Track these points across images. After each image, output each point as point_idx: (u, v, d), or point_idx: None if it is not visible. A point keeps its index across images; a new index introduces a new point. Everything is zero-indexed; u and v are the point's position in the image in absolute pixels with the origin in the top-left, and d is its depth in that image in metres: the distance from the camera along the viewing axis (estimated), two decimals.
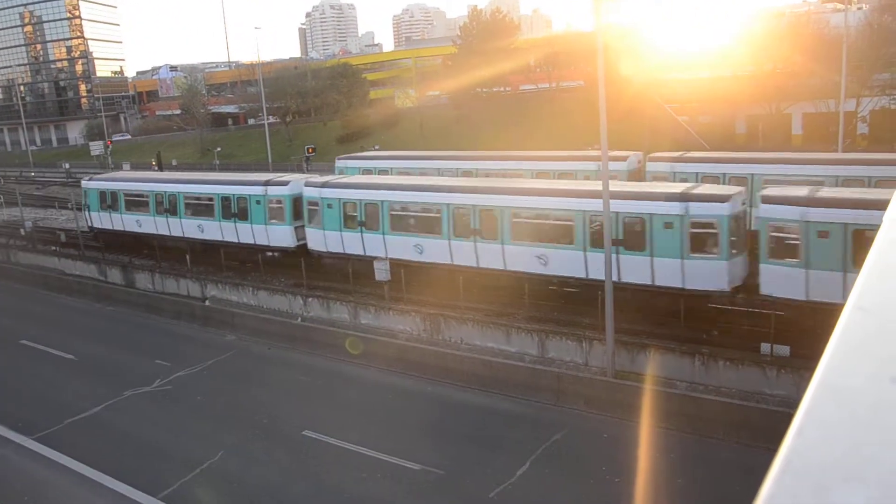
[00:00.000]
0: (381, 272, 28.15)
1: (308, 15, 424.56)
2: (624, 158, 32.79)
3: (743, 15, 73.96)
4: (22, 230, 47.97)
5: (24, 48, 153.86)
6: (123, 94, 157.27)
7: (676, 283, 22.51)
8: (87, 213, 42.62)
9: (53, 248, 45.22)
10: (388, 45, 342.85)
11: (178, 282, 35.36)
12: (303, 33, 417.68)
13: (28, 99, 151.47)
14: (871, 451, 1.06)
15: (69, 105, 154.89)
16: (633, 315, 23.74)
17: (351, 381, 23.56)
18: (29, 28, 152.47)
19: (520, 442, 18.86)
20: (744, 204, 23.65)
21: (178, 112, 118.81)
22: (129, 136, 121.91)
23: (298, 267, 31.26)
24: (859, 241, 18.82)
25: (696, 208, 22.43)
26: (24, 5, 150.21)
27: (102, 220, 41.46)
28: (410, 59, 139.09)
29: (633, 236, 23.36)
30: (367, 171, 40.77)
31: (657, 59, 68.14)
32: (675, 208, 22.67)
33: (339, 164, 43.01)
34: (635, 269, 23.20)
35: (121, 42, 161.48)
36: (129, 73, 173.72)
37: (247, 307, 31.17)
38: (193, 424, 20.99)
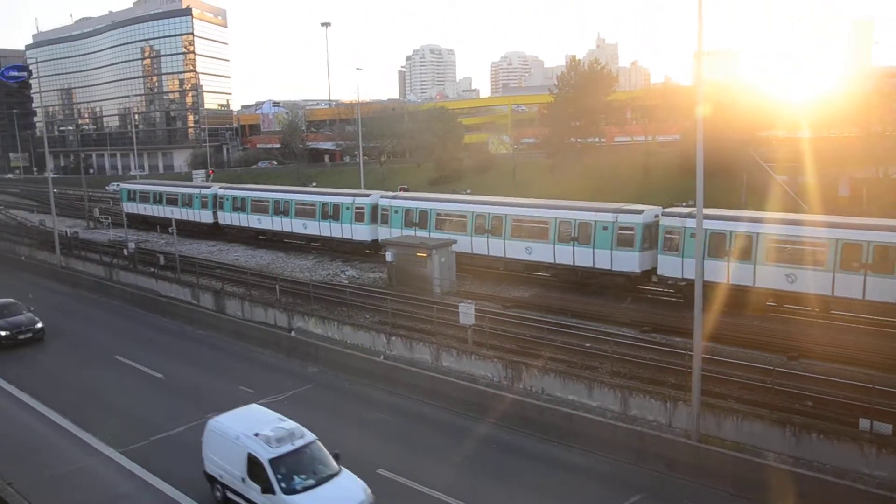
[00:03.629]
0: (467, 316, 28.17)
1: (408, 58, 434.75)
2: None
3: (850, 74, 71.97)
4: (125, 251, 50.19)
5: (141, 79, 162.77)
6: (228, 126, 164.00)
7: None
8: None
9: (152, 269, 47.08)
10: (485, 90, 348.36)
11: (266, 311, 36.17)
12: (402, 76, 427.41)
13: (140, 127, 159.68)
14: None
15: (177, 134, 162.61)
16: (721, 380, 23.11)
17: (428, 422, 23.50)
18: (148, 61, 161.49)
19: (598, 499, 18.39)
20: None
21: (278, 146, 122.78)
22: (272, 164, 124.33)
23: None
24: None
25: None
26: (147, 40, 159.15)
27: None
28: (506, 105, 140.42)
29: None
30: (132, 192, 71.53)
31: (757, 116, 66.79)
32: None
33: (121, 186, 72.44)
34: None
35: (229, 77, 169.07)
36: (235, 106, 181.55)
37: (331, 341, 31.54)
38: None
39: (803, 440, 19.34)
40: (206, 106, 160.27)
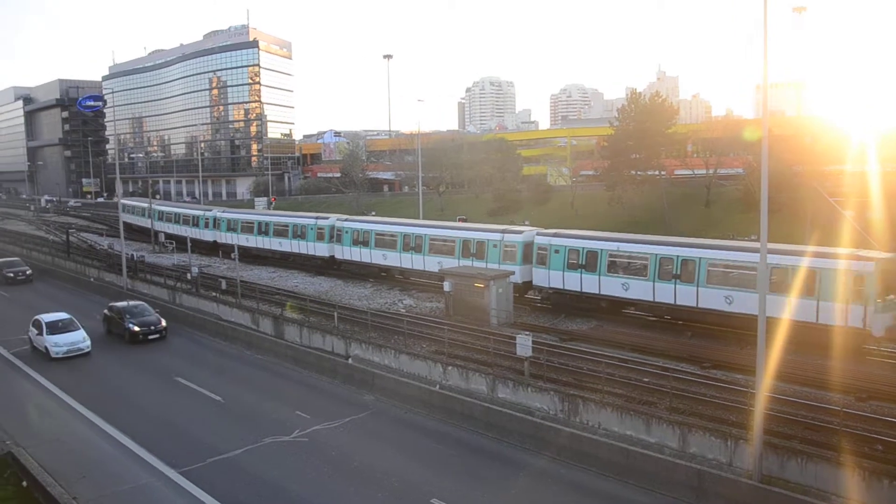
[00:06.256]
0: (524, 347, 28.02)
1: (468, 90, 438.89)
2: None
3: None
4: (188, 275, 51.36)
5: (208, 109, 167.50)
6: (290, 155, 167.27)
7: None
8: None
9: (214, 294, 48.03)
10: (544, 122, 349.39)
11: (325, 338, 36.52)
12: (462, 107, 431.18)
13: (206, 155, 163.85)
14: None
15: (240, 162, 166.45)
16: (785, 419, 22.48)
17: (483, 453, 23.30)
18: (215, 91, 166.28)
19: None
20: None
21: (338, 175, 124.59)
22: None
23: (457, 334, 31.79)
24: None
25: None
26: (214, 71, 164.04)
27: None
28: (566, 137, 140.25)
29: None
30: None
31: (824, 149, 65.40)
32: None
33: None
34: None
35: (293, 107, 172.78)
36: (297, 135, 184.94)
37: (387, 369, 31.64)
38: (326, 479, 21.35)
39: (874, 486, 18.59)
40: (270, 135, 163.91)
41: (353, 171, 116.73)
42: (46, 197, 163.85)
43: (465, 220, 68.15)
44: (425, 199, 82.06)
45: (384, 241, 52.10)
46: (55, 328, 36.15)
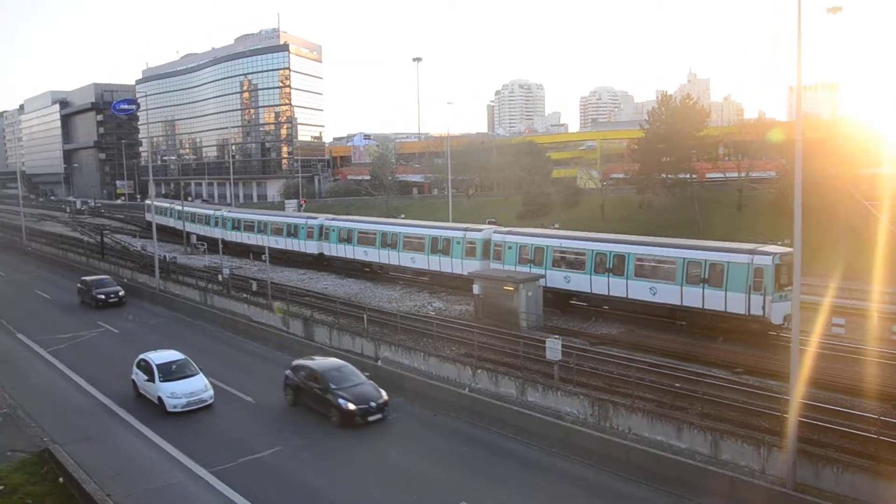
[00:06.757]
0: (553, 351, 27.93)
1: (497, 93, 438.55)
2: None
3: None
4: (220, 276, 51.85)
5: (239, 112, 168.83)
6: (320, 157, 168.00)
7: None
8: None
9: (245, 295, 48.44)
10: (573, 125, 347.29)
11: (354, 339, 36.66)
12: (491, 110, 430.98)
13: (237, 157, 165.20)
14: None
15: (271, 165, 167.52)
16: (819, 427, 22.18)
17: (512, 457, 23.25)
18: (246, 94, 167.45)
19: None
20: None
21: (368, 177, 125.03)
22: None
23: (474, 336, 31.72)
24: None
25: None
26: (245, 75, 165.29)
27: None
28: (595, 140, 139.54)
29: None
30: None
31: (859, 152, 64.43)
32: None
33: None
34: None
35: (322, 110, 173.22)
36: (327, 138, 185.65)
37: (416, 371, 31.68)
38: (356, 481, 21.45)
39: None
40: (300, 138, 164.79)
41: (383, 173, 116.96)
42: (81, 199, 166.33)
43: (494, 223, 68.03)
44: (455, 202, 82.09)
45: (365, 239, 56.60)
46: (168, 372, 28.70)
